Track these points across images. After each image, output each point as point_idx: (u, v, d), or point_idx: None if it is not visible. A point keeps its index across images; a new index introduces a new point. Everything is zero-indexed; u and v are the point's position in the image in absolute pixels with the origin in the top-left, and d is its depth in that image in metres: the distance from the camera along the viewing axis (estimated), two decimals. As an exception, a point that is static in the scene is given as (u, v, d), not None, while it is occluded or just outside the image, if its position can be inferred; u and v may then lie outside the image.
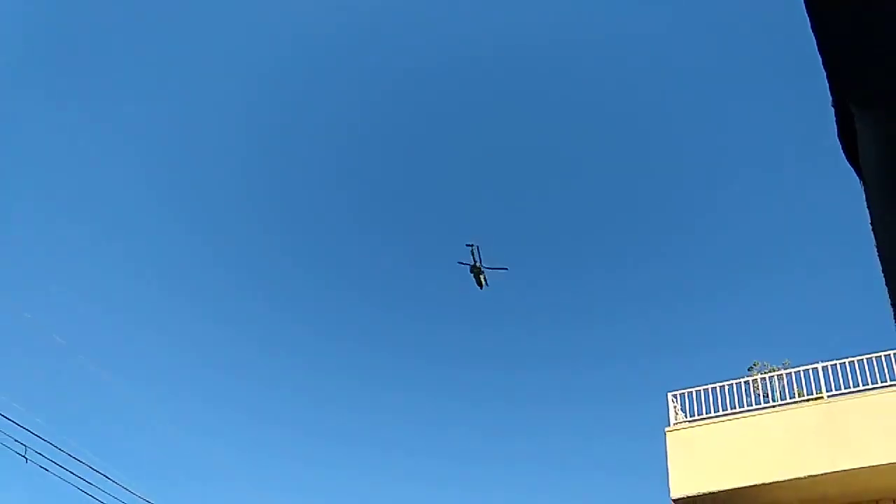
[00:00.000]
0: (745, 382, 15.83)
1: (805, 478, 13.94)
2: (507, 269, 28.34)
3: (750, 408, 15.45)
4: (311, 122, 43.78)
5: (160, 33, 40.92)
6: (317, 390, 46.88)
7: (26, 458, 17.47)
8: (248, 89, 43.43)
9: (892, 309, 0.82)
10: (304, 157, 44.62)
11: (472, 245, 27.22)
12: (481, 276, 27.75)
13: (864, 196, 0.87)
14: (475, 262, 27.35)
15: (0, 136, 38.06)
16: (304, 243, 46.25)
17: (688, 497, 14.74)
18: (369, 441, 45.90)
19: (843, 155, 0.90)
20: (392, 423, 46.29)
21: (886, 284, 0.84)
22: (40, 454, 17.61)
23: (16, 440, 17.41)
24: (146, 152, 42.51)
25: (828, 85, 0.87)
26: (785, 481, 14.11)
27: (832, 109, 0.89)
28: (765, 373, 16.05)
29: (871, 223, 0.85)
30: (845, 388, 14.78)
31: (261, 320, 46.39)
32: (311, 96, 43.20)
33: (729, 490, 14.48)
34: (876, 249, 0.85)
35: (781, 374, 15.76)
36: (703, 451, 15.21)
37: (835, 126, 0.90)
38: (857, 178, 0.88)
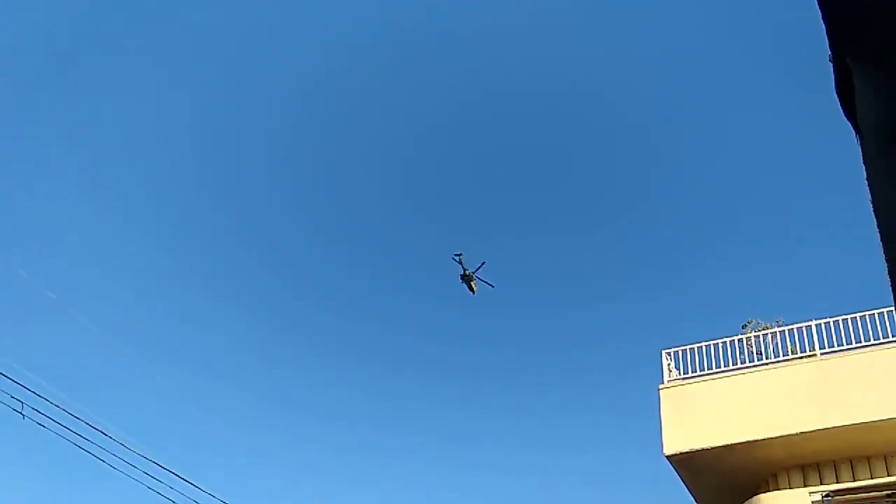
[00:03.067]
0: (738, 340, 15.89)
1: (797, 434, 14.05)
2: (493, 286, 29.40)
3: (743, 365, 15.52)
4: (338, 120, 44.09)
5: (214, 25, 40.98)
6: (323, 374, 47.25)
7: (23, 415, 17.56)
8: (287, 86, 43.69)
9: (886, 263, 0.82)
10: (326, 150, 44.88)
11: (459, 254, 28.25)
12: (472, 283, 28.73)
13: (860, 151, 0.87)
14: (464, 270, 28.30)
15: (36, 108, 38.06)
16: (324, 231, 46.53)
17: (680, 453, 14.86)
18: (372, 424, 46.33)
19: (840, 110, 0.90)
20: (391, 406, 46.71)
21: (881, 239, 0.84)
22: (37, 410, 17.71)
23: (12, 396, 17.50)
24: (175, 131, 42.60)
25: (827, 40, 0.86)
26: (777, 438, 14.22)
27: (830, 65, 0.89)
28: (758, 330, 16.10)
29: (867, 178, 0.85)
30: (838, 346, 14.86)
31: (257, 296, 46.67)
32: (343, 100, 43.54)
33: (721, 446, 14.60)
34: (871, 204, 0.85)
35: (775, 332, 15.82)
36: (697, 408, 15.31)
37: (833, 81, 0.89)
38: (854, 132, 0.88)
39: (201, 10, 41.43)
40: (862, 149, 0.86)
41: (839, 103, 0.89)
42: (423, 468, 47.44)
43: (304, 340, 49.26)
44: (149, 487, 18.84)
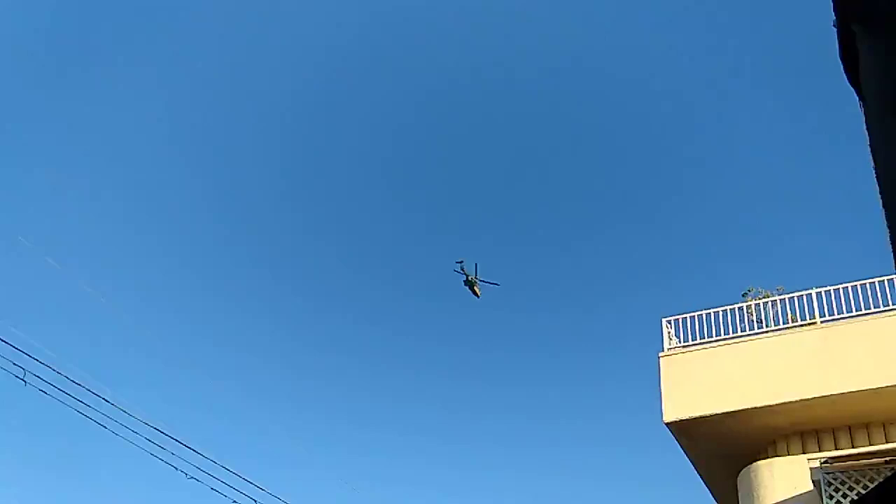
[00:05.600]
0: (739, 308, 15.91)
1: (797, 401, 14.11)
2: (499, 284, 30.30)
3: (744, 333, 15.56)
4: (339, 120, 44.04)
5: (205, 27, 40.85)
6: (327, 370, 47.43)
7: (25, 381, 17.59)
8: (283, 88, 43.61)
9: (887, 230, 0.82)
10: (327, 150, 44.87)
11: (460, 261, 29.15)
12: (475, 287, 29.55)
13: (863, 117, 0.86)
14: (467, 276, 29.18)
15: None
16: (324, 233, 46.56)
17: (680, 420, 14.93)
18: (371, 424, 46.53)
19: (844, 76, 0.89)
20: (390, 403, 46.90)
21: (883, 206, 0.83)
22: (39, 377, 17.73)
23: (14, 363, 17.52)
24: (180, 134, 42.56)
25: (831, 4, 0.85)
26: (778, 405, 14.28)
27: (834, 29, 0.88)
28: (759, 298, 16.12)
29: (870, 144, 0.84)
30: (839, 314, 14.88)
31: (256, 296, 46.76)
32: (343, 100, 43.49)
33: (721, 413, 14.66)
34: (874, 171, 0.84)
35: (775, 300, 15.84)
36: (697, 375, 15.37)
37: (837, 46, 0.89)
38: (858, 99, 0.87)
39: (190, 11, 41.34)
40: (865, 114, 0.86)
41: (843, 68, 0.88)
42: (426, 468, 47.69)
43: (304, 340, 49.51)
44: (151, 454, 18.93)
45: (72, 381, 18.19)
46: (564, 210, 46.97)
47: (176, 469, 19.19)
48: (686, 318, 16.08)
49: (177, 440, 19.33)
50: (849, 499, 12.62)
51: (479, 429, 48.10)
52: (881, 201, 0.83)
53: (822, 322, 14.92)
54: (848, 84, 0.89)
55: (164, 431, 19.20)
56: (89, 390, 18.36)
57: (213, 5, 41.60)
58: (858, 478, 12.78)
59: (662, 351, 15.72)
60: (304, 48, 43.53)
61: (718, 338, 15.62)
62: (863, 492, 13.02)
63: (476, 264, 29.58)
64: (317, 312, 48.09)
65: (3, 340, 17.41)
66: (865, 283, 14.86)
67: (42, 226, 38.77)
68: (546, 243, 47.01)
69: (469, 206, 48.10)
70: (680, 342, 15.91)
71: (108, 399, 18.60)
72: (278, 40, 43.07)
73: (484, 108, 45.56)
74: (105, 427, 18.51)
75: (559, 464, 47.46)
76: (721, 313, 15.85)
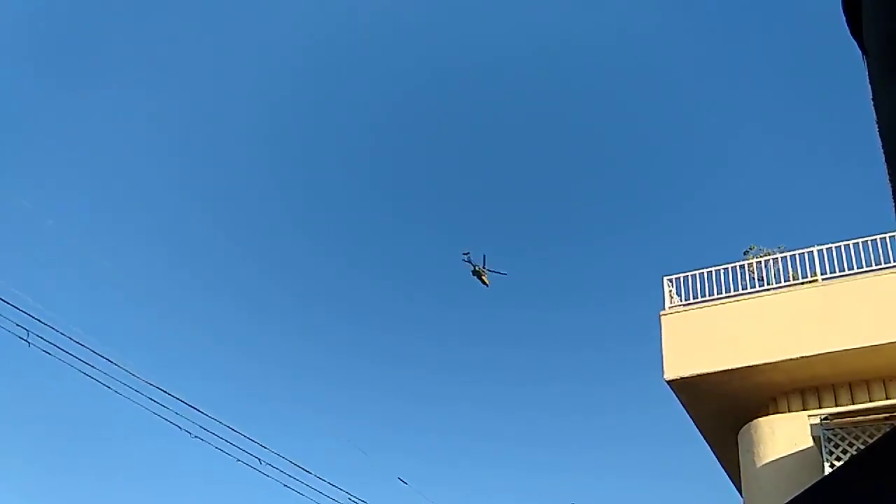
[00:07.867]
0: (740, 266, 15.92)
1: (798, 358, 14.16)
2: (506, 273, 30.91)
3: (745, 291, 15.58)
4: (332, 115, 43.89)
5: (196, 27, 40.59)
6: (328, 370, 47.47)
7: (28, 343, 17.62)
8: (274, 85, 43.31)
9: (890, 186, 0.81)
10: (326, 150, 44.71)
11: (467, 253, 29.85)
12: (483, 277, 30.13)
13: (866, 72, 0.85)
14: (474, 266, 29.79)
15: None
16: (323, 233, 46.41)
17: (681, 378, 15.00)
18: (373, 420, 46.73)
19: (847, 29, 0.87)
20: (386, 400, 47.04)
21: (886, 162, 0.82)
22: (42, 338, 17.74)
23: (17, 324, 17.52)
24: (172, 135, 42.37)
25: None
26: (778, 362, 14.34)
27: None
28: (760, 256, 16.12)
29: (873, 99, 0.83)
30: (840, 271, 14.89)
31: (255, 297, 46.73)
32: (342, 98, 43.22)
33: (722, 371, 14.73)
34: (876, 126, 0.83)
35: (777, 258, 15.84)
36: (698, 333, 15.41)
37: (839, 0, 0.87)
38: (861, 52, 0.86)
39: (179, 13, 41.12)
40: (868, 69, 0.84)
41: (846, 22, 0.87)
42: (431, 466, 47.94)
43: (305, 341, 49.62)
44: (155, 413, 19.03)
45: (75, 341, 18.22)
46: (563, 186, 46.93)
47: (180, 429, 19.31)
48: (687, 276, 16.10)
49: (181, 400, 19.43)
50: (848, 454, 12.70)
51: (496, 428, 48.40)
52: (884, 156, 0.82)
53: (823, 279, 14.94)
54: (851, 37, 0.87)
55: (169, 391, 19.29)
56: (93, 351, 18.40)
57: (200, 6, 41.37)
58: (858, 434, 12.86)
59: (664, 309, 15.76)
60: (294, 45, 43.43)
61: (720, 296, 15.65)
62: (862, 448, 13.12)
63: (484, 255, 30.33)
64: (309, 308, 48.26)
65: (6, 301, 17.45)
66: (867, 241, 14.85)
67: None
68: (545, 222, 47.05)
69: (468, 201, 48.15)
70: (682, 300, 15.94)
71: (112, 359, 18.68)
72: (267, 38, 42.91)
73: (484, 102, 45.47)
74: (108, 387, 18.59)
75: (571, 462, 47.80)
76: (722, 271, 15.87)
